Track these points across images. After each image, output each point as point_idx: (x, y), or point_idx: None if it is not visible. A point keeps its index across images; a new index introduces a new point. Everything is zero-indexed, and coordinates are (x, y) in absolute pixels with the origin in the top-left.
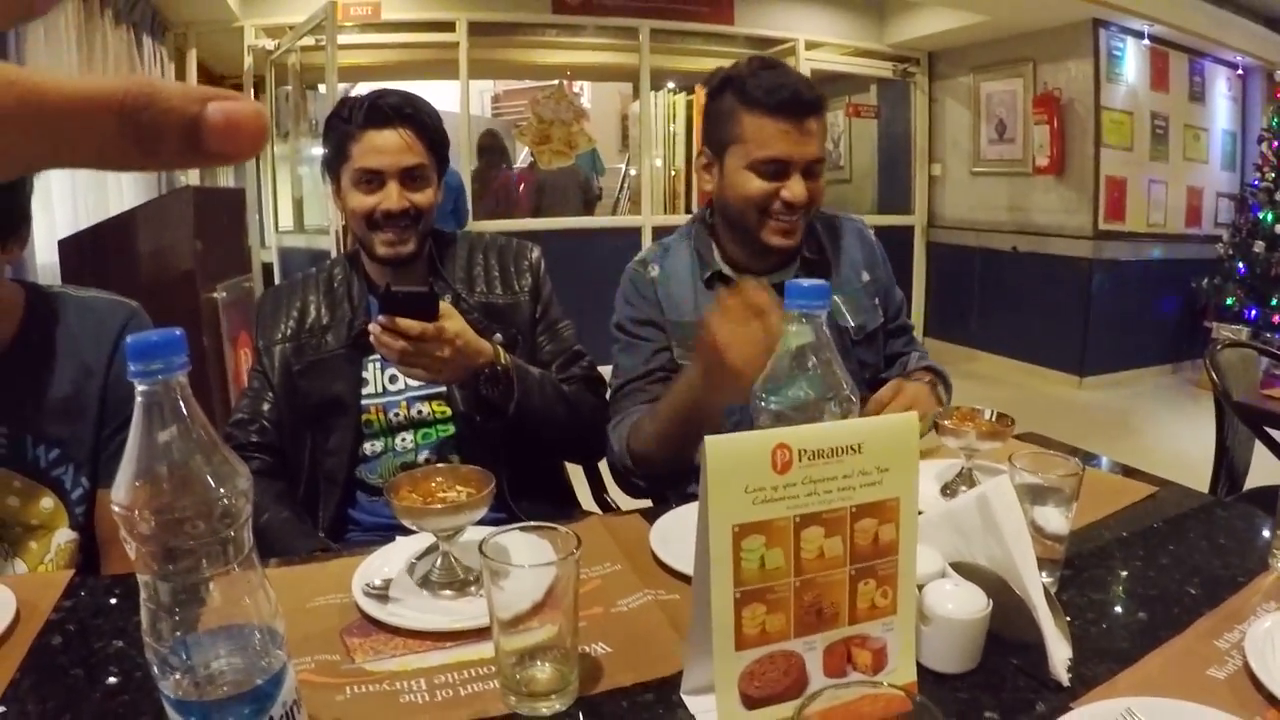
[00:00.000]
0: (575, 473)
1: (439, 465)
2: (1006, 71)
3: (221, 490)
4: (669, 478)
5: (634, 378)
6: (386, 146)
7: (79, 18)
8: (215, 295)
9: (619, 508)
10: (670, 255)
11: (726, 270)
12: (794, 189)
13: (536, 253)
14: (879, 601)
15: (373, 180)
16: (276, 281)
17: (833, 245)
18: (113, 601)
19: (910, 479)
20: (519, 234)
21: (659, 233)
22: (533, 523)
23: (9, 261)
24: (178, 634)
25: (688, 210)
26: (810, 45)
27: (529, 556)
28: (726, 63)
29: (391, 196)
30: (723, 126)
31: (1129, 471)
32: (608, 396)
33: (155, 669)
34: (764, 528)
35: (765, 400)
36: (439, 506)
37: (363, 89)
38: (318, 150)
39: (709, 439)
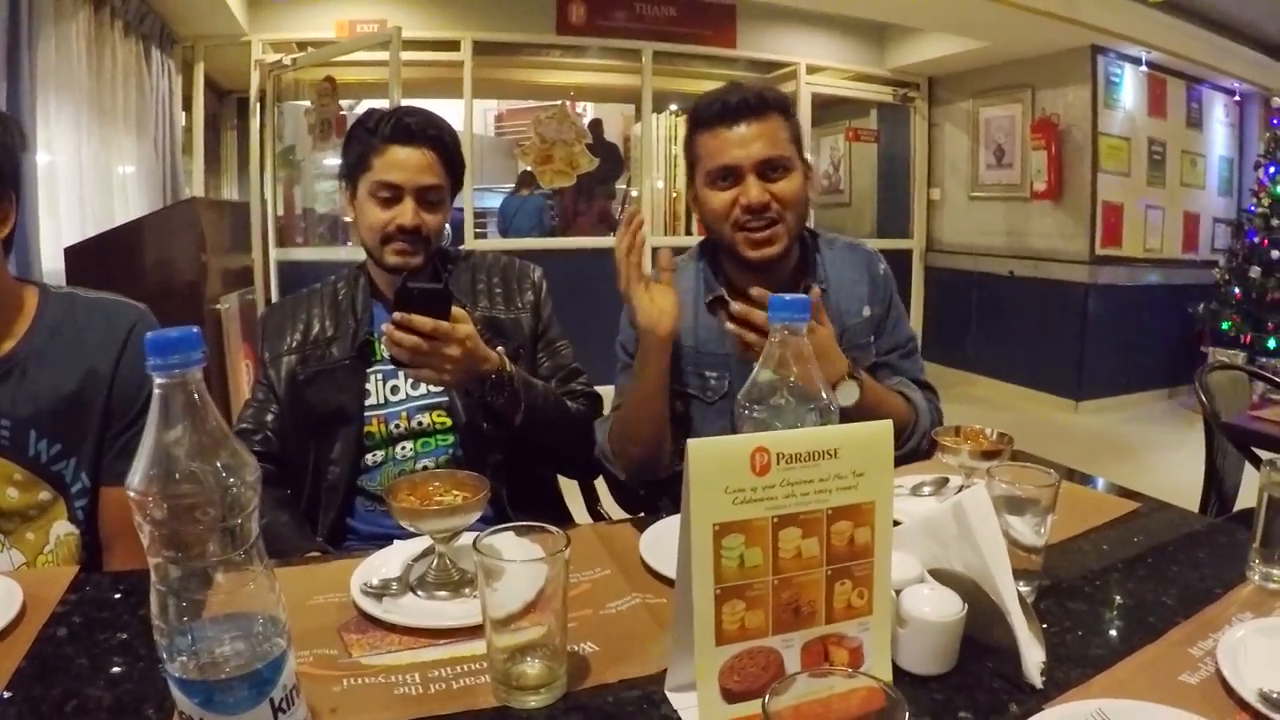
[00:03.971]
0: (569, 487)
1: (437, 470)
2: (1005, 97)
3: (231, 480)
4: (645, 467)
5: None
6: (408, 163)
7: (90, 28)
8: (219, 306)
9: (611, 521)
10: (678, 276)
11: (726, 295)
12: (749, 192)
13: (538, 273)
14: (855, 602)
15: (391, 194)
16: (274, 296)
17: (837, 276)
18: (117, 596)
19: (886, 484)
20: (519, 253)
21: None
22: (524, 523)
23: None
24: (185, 618)
25: (688, 232)
26: (811, 69)
27: (521, 555)
28: None
29: (407, 213)
30: (689, 155)
31: (1118, 490)
32: (604, 414)
33: (162, 651)
34: (743, 527)
35: (748, 409)
36: (435, 508)
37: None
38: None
39: (691, 442)
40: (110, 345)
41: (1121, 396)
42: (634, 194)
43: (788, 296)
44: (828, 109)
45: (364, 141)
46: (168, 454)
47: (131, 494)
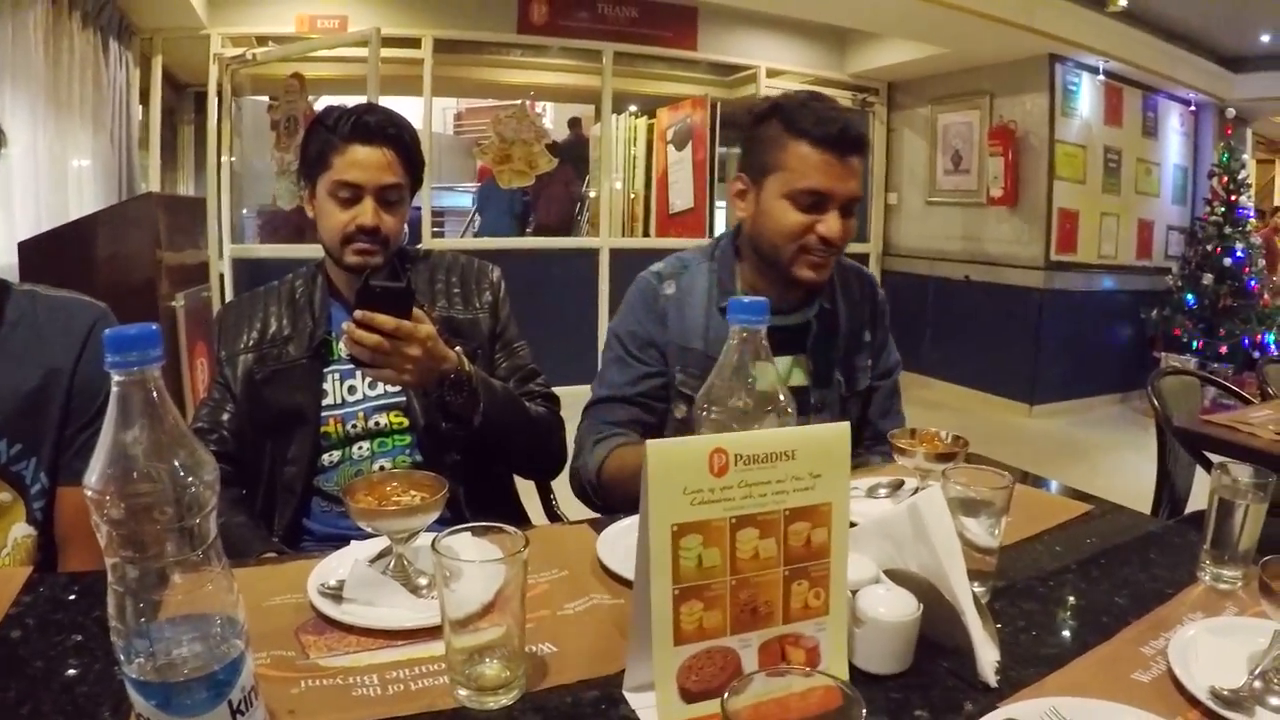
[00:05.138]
0: (525, 487)
1: (395, 470)
2: (964, 103)
3: (189, 479)
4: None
5: (616, 396)
6: (368, 162)
7: (47, 20)
8: (174, 304)
9: (568, 521)
10: (689, 274)
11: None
12: (831, 224)
13: (497, 273)
14: (812, 602)
15: (350, 194)
16: (229, 293)
17: (845, 298)
18: (71, 598)
19: (842, 485)
20: (475, 253)
21: (617, 255)
22: (482, 524)
23: None
24: (142, 619)
25: (645, 233)
26: (772, 73)
27: (479, 556)
28: (688, 87)
29: (367, 212)
30: (764, 153)
31: (1072, 493)
32: (587, 402)
33: (120, 652)
34: (701, 528)
35: (707, 410)
36: (393, 509)
37: (324, 104)
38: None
39: (650, 443)
40: (71, 344)
41: (1075, 401)
42: (591, 194)
43: (746, 299)
44: None
45: (323, 140)
46: (125, 453)
47: (88, 493)
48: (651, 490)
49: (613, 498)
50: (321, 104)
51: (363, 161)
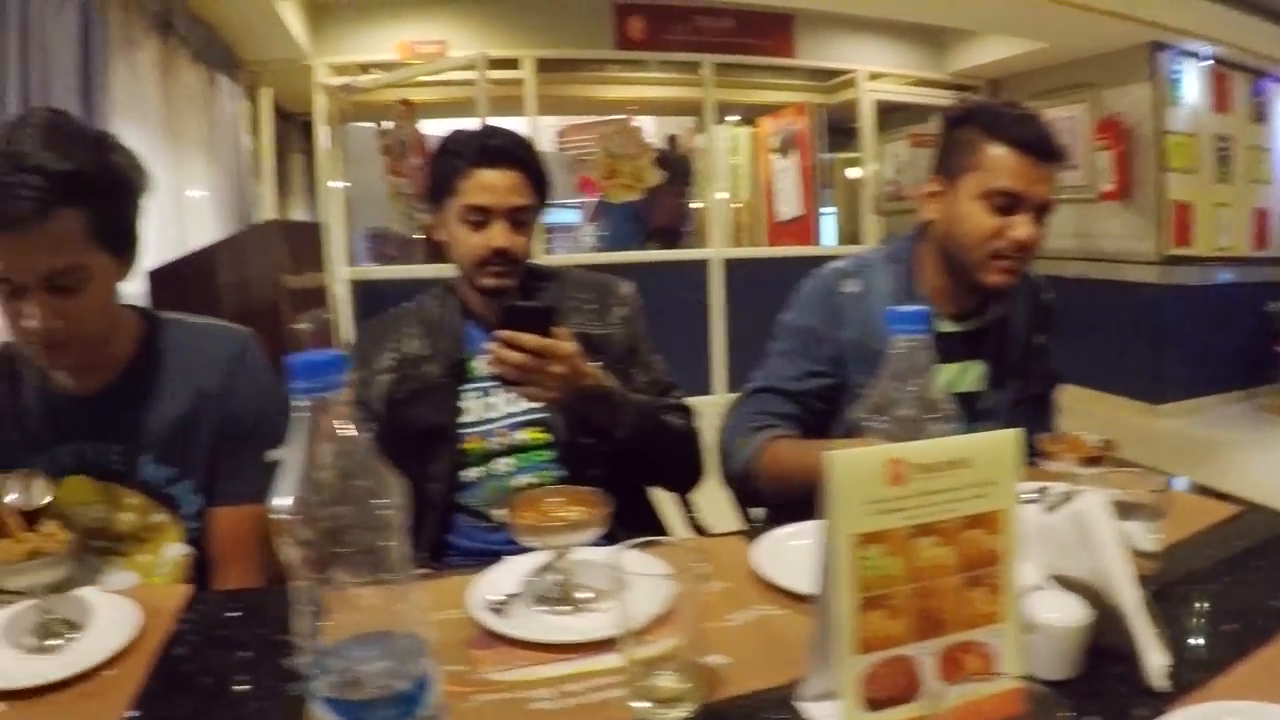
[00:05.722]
0: (664, 499)
1: (557, 486)
2: (1068, 97)
3: (378, 502)
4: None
5: (778, 388)
6: (496, 185)
7: (159, 56)
8: (298, 326)
9: (710, 532)
10: (873, 273)
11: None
12: (1024, 228)
13: (628, 288)
14: (987, 609)
15: (481, 217)
16: (347, 315)
17: (1017, 301)
18: (234, 615)
19: (1013, 492)
20: (588, 268)
21: (730, 265)
22: (661, 538)
23: (121, 278)
24: (331, 638)
25: (754, 243)
26: (872, 76)
27: (656, 570)
28: (788, 95)
29: (498, 235)
30: (960, 154)
31: (1213, 494)
32: (748, 388)
33: (308, 670)
34: (882, 537)
35: (872, 420)
36: (559, 524)
37: (428, 127)
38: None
39: (831, 454)
40: (219, 369)
41: (1200, 399)
42: (694, 205)
43: (906, 309)
44: (889, 115)
45: (450, 165)
46: (314, 476)
47: (278, 516)
48: (834, 501)
49: (762, 490)
50: (426, 127)
51: (491, 185)
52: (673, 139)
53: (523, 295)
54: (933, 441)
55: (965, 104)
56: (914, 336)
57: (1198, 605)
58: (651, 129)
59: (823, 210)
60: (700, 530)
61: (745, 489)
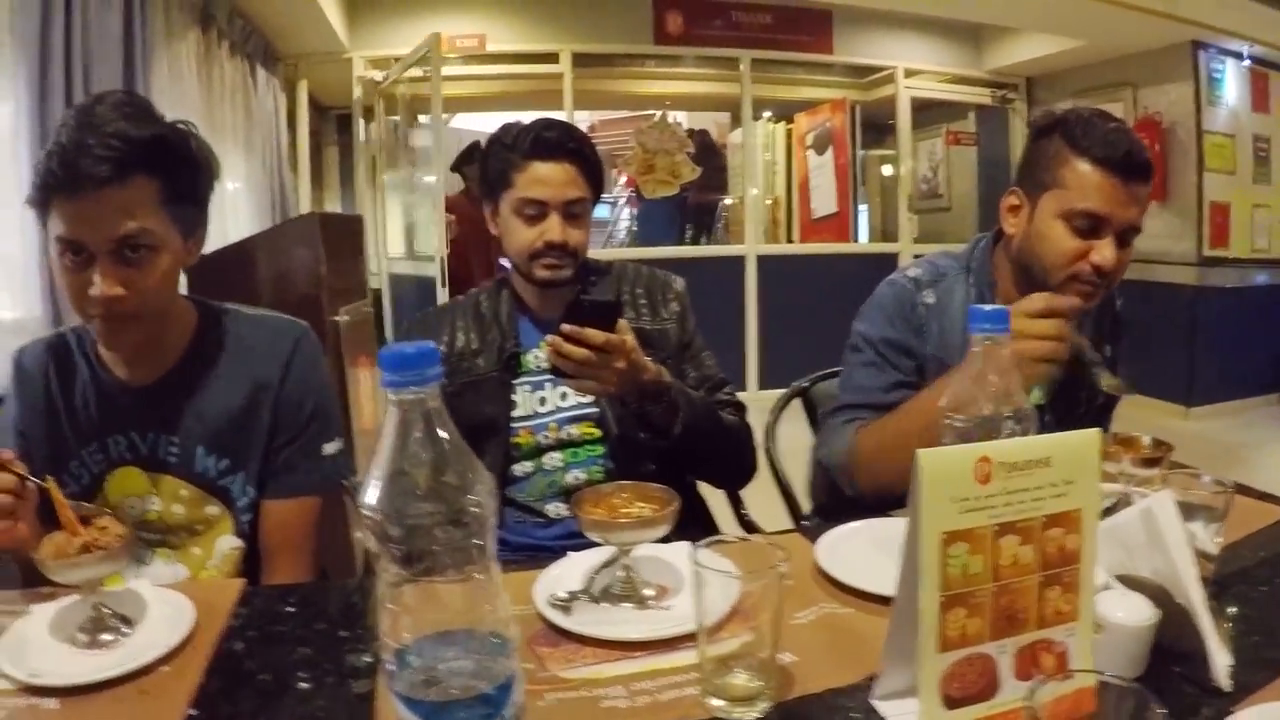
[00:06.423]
0: (713, 495)
1: (622, 482)
2: (1106, 96)
3: (468, 498)
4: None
5: (869, 403)
6: (551, 178)
7: (199, 49)
8: (338, 319)
9: (760, 529)
10: (947, 284)
11: None
12: (1105, 252)
13: (680, 284)
14: (1063, 607)
15: (536, 211)
16: (388, 307)
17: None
18: (289, 609)
19: (1093, 491)
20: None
21: (764, 261)
22: (733, 535)
23: (189, 262)
24: (416, 635)
25: (789, 239)
26: (909, 73)
27: (728, 567)
28: (825, 91)
29: (554, 228)
30: (1043, 169)
31: (1261, 495)
32: (833, 405)
33: (390, 666)
34: (967, 535)
35: (950, 418)
36: (627, 521)
37: (464, 120)
38: (429, 178)
39: (921, 452)
40: (276, 361)
41: (1233, 402)
42: (727, 201)
43: (988, 308)
44: (926, 112)
45: (504, 158)
46: (404, 472)
47: (368, 514)
48: (924, 499)
49: (892, 477)
50: (457, 121)
51: (546, 178)
52: (704, 134)
53: (580, 290)
54: (1017, 440)
55: (1053, 113)
56: (995, 335)
57: (1254, 607)
58: (686, 124)
59: (860, 207)
60: (750, 527)
61: (852, 482)
